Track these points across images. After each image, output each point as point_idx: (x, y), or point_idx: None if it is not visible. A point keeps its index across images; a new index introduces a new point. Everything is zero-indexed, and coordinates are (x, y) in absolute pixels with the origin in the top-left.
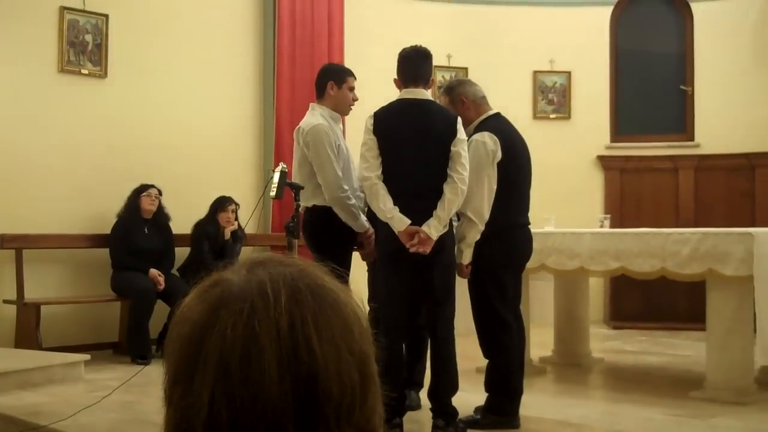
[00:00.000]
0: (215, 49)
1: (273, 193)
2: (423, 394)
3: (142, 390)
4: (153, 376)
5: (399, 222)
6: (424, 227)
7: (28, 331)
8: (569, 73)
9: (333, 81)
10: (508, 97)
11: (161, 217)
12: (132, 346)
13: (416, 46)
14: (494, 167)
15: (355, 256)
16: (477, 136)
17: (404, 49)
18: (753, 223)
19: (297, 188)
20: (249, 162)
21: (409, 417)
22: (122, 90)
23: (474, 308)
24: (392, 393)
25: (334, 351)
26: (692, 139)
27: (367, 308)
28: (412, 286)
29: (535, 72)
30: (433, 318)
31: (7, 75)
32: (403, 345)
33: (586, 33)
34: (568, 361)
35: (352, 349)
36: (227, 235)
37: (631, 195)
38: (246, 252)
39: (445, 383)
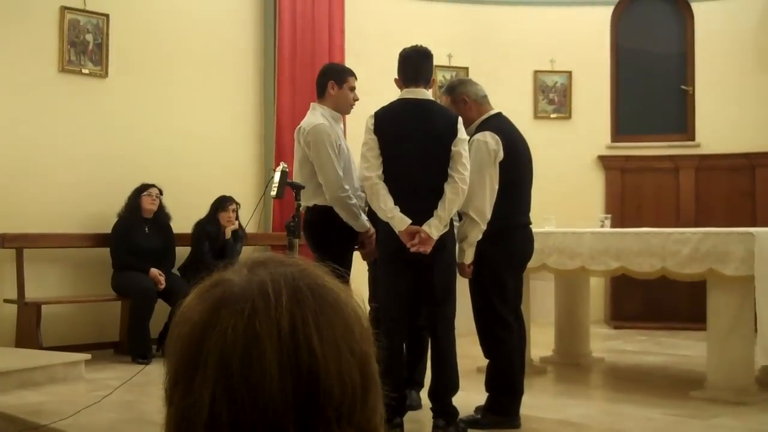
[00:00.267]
0: (216, 48)
1: (274, 193)
2: (423, 394)
3: (143, 389)
4: (153, 376)
5: (400, 222)
6: (425, 227)
7: (29, 330)
8: (570, 72)
9: (334, 81)
10: (509, 96)
11: (162, 216)
12: (132, 345)
13: (417, 45)
14: (496, 167)
15: (356, 255)
16: (479, 136)
17: (405, 49)
18: (754, 223)
19: (298, 188)
20: (250, 161)
21: (409, 417)
22: (123, 90)
23: (475, 308)
24: (393, 393)
25: (335, 351)
26: (693, 138)
27: (368, 308)
28: (413, 286)
29: (536, 71)
30: (434, 318)
31: (8, 74)
32: (404, 345)
33: (587, 33)
34: (569, 360)
35: (353, 349)
36: (228, 234)
37: (631, 195)
38: (247, 252)
39: (446, 383)
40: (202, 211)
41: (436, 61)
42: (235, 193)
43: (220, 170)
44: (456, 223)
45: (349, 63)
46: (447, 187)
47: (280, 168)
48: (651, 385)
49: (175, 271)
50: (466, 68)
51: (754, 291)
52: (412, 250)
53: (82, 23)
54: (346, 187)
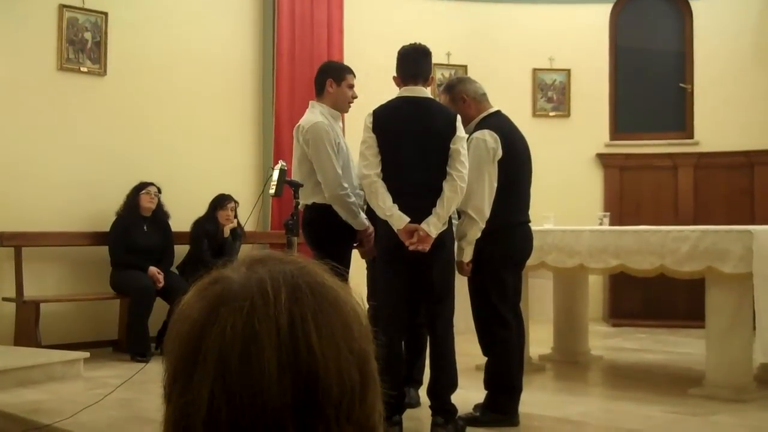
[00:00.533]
0: (214, 46)
1: (272, 191)
2: (422, 392)
3: (142, 387)
4: (152, 374)
5: (398, 220)
6: (423, 225)
7: (28, 328)
8: (569, 70)
9: (332, 78)
10: (508, 94)
11: (160, 214)
12: (131, 343)
13: (415, 43)
14: (495, 165)
15: (355, 254)
16: (477, 134)
17: (403, 47)
18: (752, 221)
19: (296, 186)
20: (248, 160)
21: (408, 414)
22: (121, 88)
23: (473, 306)
24: (392, 391)
25: (333, 349)
26: (692, 136)
27: (367, 306)
28: (412, 284)
29: (535, 70)
30: (433, 316)
31: (7, 72)
32: (403, 343)
33: (586, 31)
34: (568, 358)
35: (351, 347)
36: (226, 232)
37: (630, 193)
38: (245, 250)
39: (445, 381)
40: (201, 210)
41: (434, 60)
42: (234, 192)
43: (218, 168)
44: (455, 222)
45: (347, 61)
46: (446, 185)
47: (278, 166)
48: (650, 382)
49: (173, 269)
50: (465, 66)
51: (753, 289)
52: (411, 248)
53: (80, 21)
54: (345, 185)
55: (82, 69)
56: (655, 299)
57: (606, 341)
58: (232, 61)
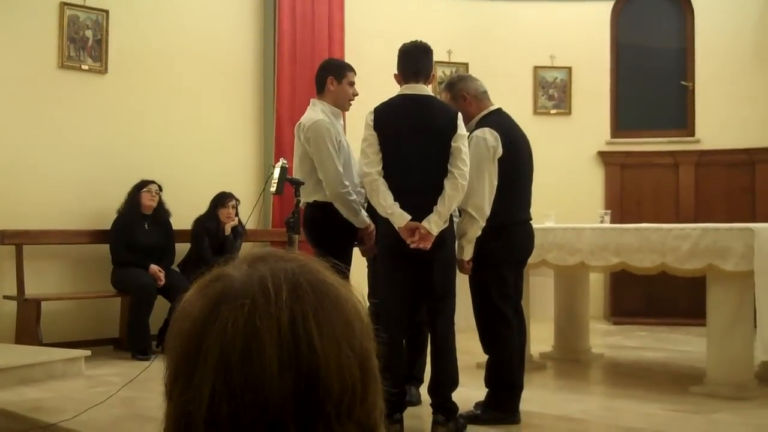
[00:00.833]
0: (215, 44)
1: (273, 189)
2: (423, 390)
3: (143, 385)
4: (153, 372)
5: (399, 218)
6: (425, 223)
7: (29, 326)
8: (570, 68)
9: (333, 76)
10: (509, 92)
11: (161, 212)
12: (132, 342)
13: (416, 41)
14: (495, 163)
15: (356, 251)
16: (478, 132)
17: (404, 44)
18: (753, 219)
19: (297, 184)
20: (249, 158)
21: (409, 412)
22: (122, 86)
23: (474, 304)
24: (393, 388)
25: (335, 347)
26: (693, 134)
27: (367, 304)
28: (413, 282)
29: (536, 67)
30: (434, 314)
31: (8, 70)
32: (404, 340)
33: (587, 28)
34: (569, 356)
35: (353, 345)
36: (227, 230)
37: (631, 190)
38: (246, 248)
39: (446, 379)
40: (202, 208)
41: (435, 57)
42: (235, 190)
43: (219, 166)
44: (456, 219)
45: (348, 59)
46: (446, 183)
47: (279, 164)
48: (651, 380)
49: (174, 267)
50: (466, 64)
51: (754, 286)
52: (412, 246)
53: (81, 19)
54: (346, 183)
55: (83, 67)
56: (656, 297)
57: (607, 339)
58: (233, 58)
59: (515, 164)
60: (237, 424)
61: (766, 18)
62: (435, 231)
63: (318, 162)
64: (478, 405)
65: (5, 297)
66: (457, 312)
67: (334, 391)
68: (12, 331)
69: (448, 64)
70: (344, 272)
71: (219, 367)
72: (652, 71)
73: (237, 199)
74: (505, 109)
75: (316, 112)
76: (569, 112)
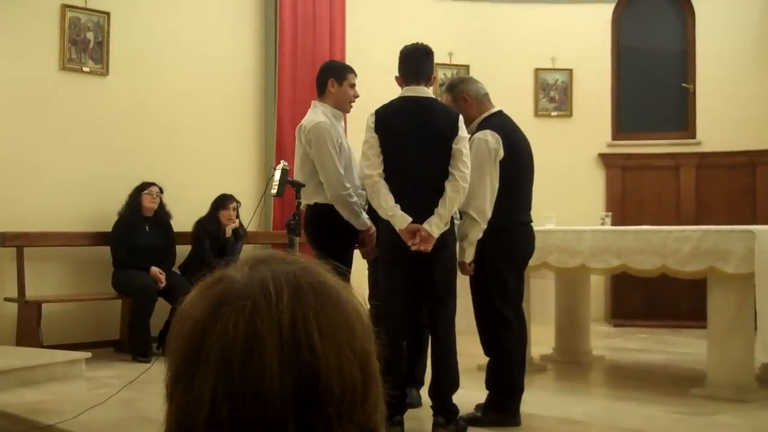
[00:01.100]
0: (217, 46)
1: (274, 191)
2: (424, 392)
3: (143, 387)
4: (154, 374)
5: (400, 220)
6: (426, 225)
7: (29, 328)
8: (571, 70)
9: (334, 78)
10: (510, 94)
11: (162, 215)
12: (133, 344)
13: (417, 43)
14: (496, 165)
15: (356, 254)
16: (479, 134)
17: (405, 47)
18: (754, 221)
19: (298, 186)
20: (250, 160)
21: (409, 414)
22: (124, 88)
23: (475, 306)
24: (393, 390)
25: (335, 349)
26: (694, 136)
27: (368, 306)
28: (413, 284)
29: (537, 69)
30: (435, 316)
31: (9, 72)
32: (405, 343)
33: (588, 30)
34: (569, 358)
35: (353, 347)
36: (228, 232)
37: (632, 193)
38: (247, 250)
39: (446, 381)
40: (203, 210)
41: (436, 59)
42: (236, 192)
43: (220, 168)
44: (456, 221)
45: (349, 61)
46: (448, 185)
47: (280, 166)
48: (651, 382)
49: (175, 269)
50: (467, 66)
51: (755, 289)
52: (413, 248)
53: (83, 21)
54: (347, 185)
55: (84, 69)
56: (656, 299)
57: (607, 341)
58: (234, 60)
59: (516, 166)
60: (238, 425)
61: (767, 20)
62: (436, 233)
63: (319, 164)
64: (478, 407)
65: (6, 299)
66: (457, 314)
67: (334, 392)
68: (13, 333)
69: (449, 66)
70: (345, 274)
71: (220, 368)
72: (653, 73)
73: (238, 201)
74: (506, 111)
75: (317, 114)
76: (570, 115)
